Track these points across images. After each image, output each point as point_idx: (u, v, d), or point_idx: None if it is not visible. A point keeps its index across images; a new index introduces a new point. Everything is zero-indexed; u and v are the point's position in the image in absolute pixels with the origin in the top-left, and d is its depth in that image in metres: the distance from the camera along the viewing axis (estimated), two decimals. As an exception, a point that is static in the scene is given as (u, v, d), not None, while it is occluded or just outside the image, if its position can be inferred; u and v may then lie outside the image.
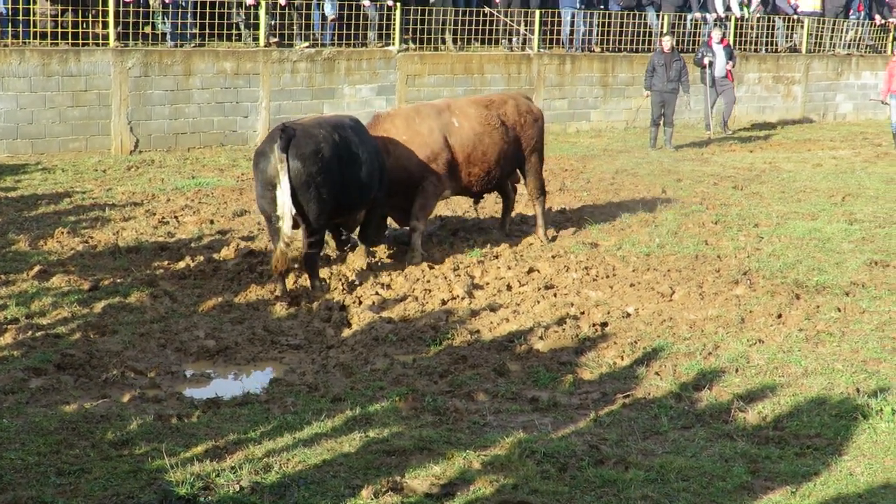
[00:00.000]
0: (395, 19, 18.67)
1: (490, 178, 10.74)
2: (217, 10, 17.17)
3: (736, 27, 22.52)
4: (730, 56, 20.25)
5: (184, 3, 17.10)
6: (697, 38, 22.66)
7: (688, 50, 21.72)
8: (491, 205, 12.58)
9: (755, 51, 23.49)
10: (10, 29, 15.72)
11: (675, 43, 19.06)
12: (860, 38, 25.23)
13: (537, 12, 20.43)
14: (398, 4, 18.64)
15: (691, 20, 22.64)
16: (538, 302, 9.05)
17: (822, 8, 24.59)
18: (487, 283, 9.62)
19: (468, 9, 19.94)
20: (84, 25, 16.36)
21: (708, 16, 22.84)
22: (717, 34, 20.36)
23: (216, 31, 17.30)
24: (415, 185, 10.19)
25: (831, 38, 24.75)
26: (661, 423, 6.54)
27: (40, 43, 15.93)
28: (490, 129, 10.60)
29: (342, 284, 9.30)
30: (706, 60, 20.06)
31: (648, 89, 18.68)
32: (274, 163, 8.68)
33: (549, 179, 14.88)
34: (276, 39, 17.68)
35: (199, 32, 17.20)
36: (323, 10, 18.19)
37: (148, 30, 17.25)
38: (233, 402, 6.72)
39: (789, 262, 10.49)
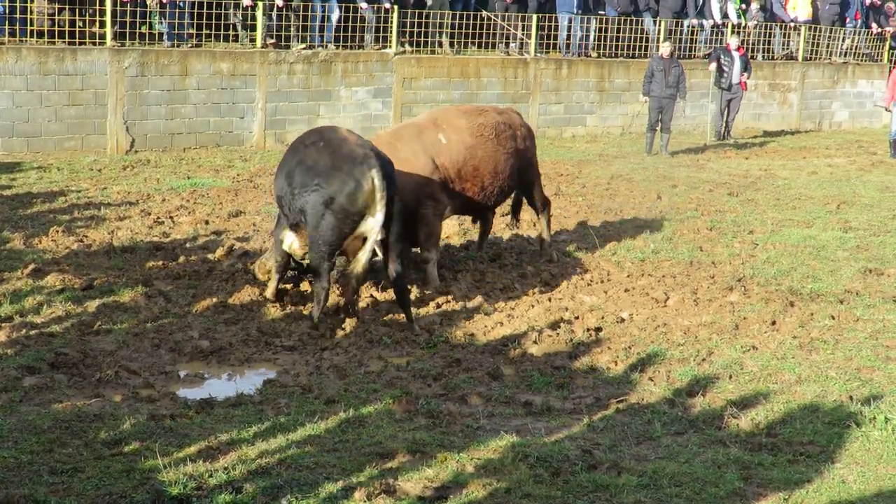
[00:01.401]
0: (392, 22, 18.67)
1: (487, 192, 10.00)
2: (214, 11, 17.17)
3: (732, 34, 22.53)
4: (745, 66, 20.34)
5: (181, 4, 17.09)
6: (695, 45, 22.73)
7: (685, 56, 21.77)
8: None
9: (752, 58, 23.52)
10: (6, 27, 15.71)
11: (673, 49, 19.11)
12: (856, 46, 25.30)
13: (534, 17, 20.45)
14: (395, 7, 18.65)
15: (688, 26, 22.68)
16: (533, 306, 9.06)
17: (812, 15, 24.61)
18: (482, 287, 9.62)
19: (465, 12, 19.96)
20: (81, 24, 16.33)
21: (705, 22, 22.90)
22: (734, 42, 20.45)
23: (213, 32, 17.30)
24: (410, 212, 9.27)
25: (828, 46, 24.81)
26: (654, 429, 6.55)
27: (37, 41, 15.91)
28: (483, 140, 9.91)
29: (337, 287, 9.29)
30: (712, 66, 20.15)
31: (646, 95, 18.72)
32: (368, 190, 8.01)
33: (545, 184, 14.87)
34: (272, 41, 17.68)
35: (196, 33, 17.19)
36: (328, 12, 18.17)
37: (145, 29, 17.24)
38: (226, 403, 6.71)
39: (784, 270, 10.51)
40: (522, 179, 10.57)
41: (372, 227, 8.09)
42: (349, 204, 8.04)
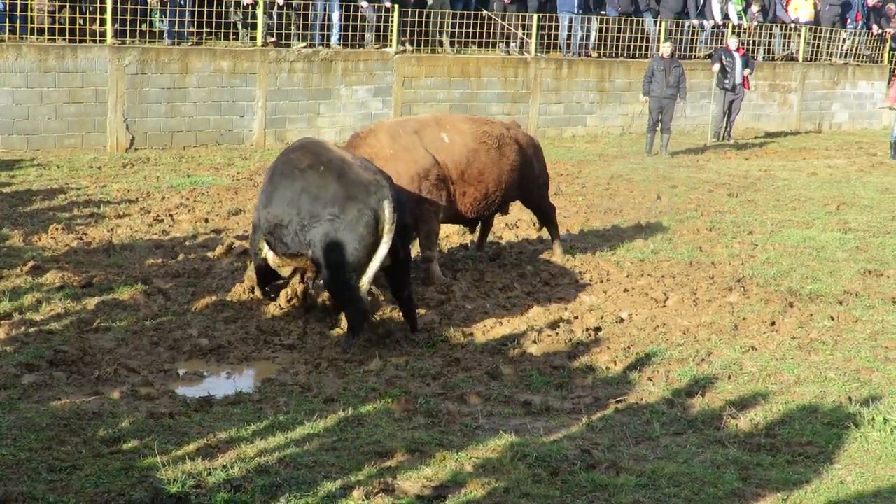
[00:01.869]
0: (392, 21, 18.67)
1: (488, 201, 9.85)
2: (215, 9, 17.16)
3: (732, 34, 22.54)
4: (746, 64, 20.39)
5: (181, 2, 17.08)
6: (695, 45, 22.72)
7: (686, 57, 21.77)
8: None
9: (752, 58, 23.52)
10: (7, 24, 15.70)
11: (674, 49, 19.11)
12: (857, 47, 25.29)
13: (535, 16, 20.44)
14: (396, 6, 18.65)
15: (689, 27, 22.68)
16: (532, 306, 9.05)
17: (814, 17, 24.62)
18: (481, 286, 9.61)
19: (466, 12, 19.95)
20: (81, 22, 16.33)
21: (706, 23, 22.89)
22: (733, 42, 20.48)
23: (213, 30, 17.29)
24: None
25: (828, 48, 24.81)
26: (653, 429, 6.55)
27: (37, 39, 15.91)
28: (486, 147, 9.74)
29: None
30: (716, 67, 20.15)
31: (646, 95, 18.72)
32: (383, 220, 7.74)
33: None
34: (273, 39, 17.67)
35: (197, 31, 17.19)
36: (328, 10, 18.17)
37: (145, 27, 17.23)
38: (225, 402, 6.71)
39: (783, 270, 10.51)
40: (533, 197, 10.48)
41: (379, 254, 7.80)
42: (370, 234, 7.76)
